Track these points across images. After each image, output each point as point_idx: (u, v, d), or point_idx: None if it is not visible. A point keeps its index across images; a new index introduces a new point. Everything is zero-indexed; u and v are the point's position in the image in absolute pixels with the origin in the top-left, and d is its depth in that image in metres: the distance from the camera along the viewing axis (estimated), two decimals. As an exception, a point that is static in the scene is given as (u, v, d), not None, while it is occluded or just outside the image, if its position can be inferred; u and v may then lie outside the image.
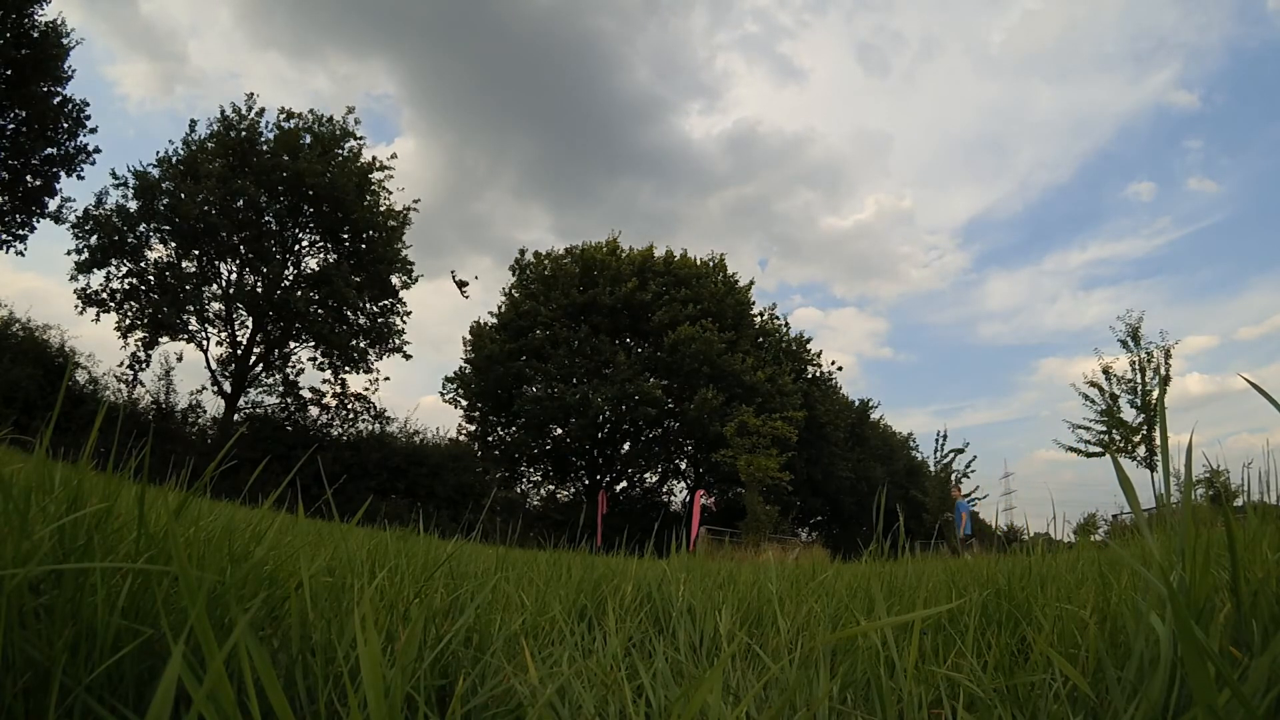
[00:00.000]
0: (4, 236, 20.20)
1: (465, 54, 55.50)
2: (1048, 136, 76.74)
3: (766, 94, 78.09)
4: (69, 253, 22.27)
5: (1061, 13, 79.23)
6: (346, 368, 25.56)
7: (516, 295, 30.22)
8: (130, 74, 46.58)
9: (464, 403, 29.94)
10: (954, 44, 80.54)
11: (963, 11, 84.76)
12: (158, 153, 25.19)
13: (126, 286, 22.98)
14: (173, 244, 23.35)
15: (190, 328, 23.65)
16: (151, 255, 23.26)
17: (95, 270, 22.53)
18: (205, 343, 24.06)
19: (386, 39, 55.30)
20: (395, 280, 25.99)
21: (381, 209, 25.55)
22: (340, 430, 25.63)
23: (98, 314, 22.65)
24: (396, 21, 54.20)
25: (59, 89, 19.98)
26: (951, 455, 29.94)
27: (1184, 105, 61.67)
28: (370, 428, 25.76)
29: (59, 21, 19.51)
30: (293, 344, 25.16)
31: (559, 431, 29.16)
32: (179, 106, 58.23)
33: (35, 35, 18.88)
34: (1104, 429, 20.99)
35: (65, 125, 20.19)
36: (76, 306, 22.41)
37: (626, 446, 30.76)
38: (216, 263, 24.22)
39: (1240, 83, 62.04)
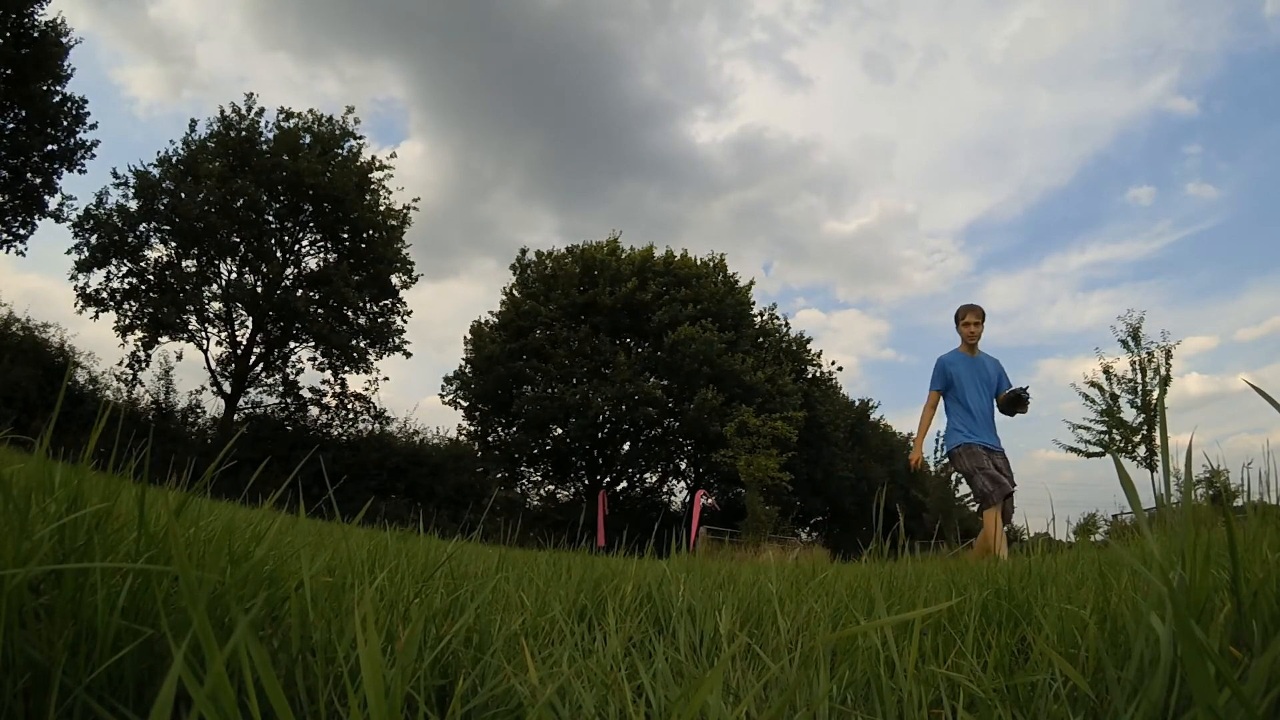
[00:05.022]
0: (4, 236, 20.21)
1: (473, 56, 55.28)
2: (1047, 141, 76.69)
3: (773, 100, 78.10)
4: (68, 251, 22.32)
5: (1063, 20, 79.19)
6: (346, 368, 25.57)
7: (517, 295, 30.22)
8: (139, 77, 46.59)
9: (464, 403, 29.95)
10: (957, 51, 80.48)
11: (966, 19, 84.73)
12: (158, 152, 25.24)
13: (126, 286, 22.99)
14: (173, 244, 23.36)
15: (190, 327, 23.67)
16: (151, 255, 23.30)
17: (95, 270, 22.55)
18: (205, 342, 24.08)
19: (395, 41, 55.09)
20: (395, 280, 26.00)
21: (381, 208, 25.57)
22: (340, 430, 25.63)
23: (96, 313, 22.68)
24: (405, 23, 54.03)
25: (59, 87, 20.00)
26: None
27: (1183, 111, 61.54)
28: (370, 428, 25.78)
29: (59, 20, 19.55)
30: (293, 344, 25.16)
31: (559, 431, 29.15)
32: (187, 110, 58.41)
33: (35, 35, 18.89)
34: (1104, 429, 20.97)
35: (65, 123, 20.21)
36: (75, 305, 22.47)
37: (626, 446, 30.75)
38: (216, 262, 24.22)
39: (1239, 88, 61.93)
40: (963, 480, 26.87)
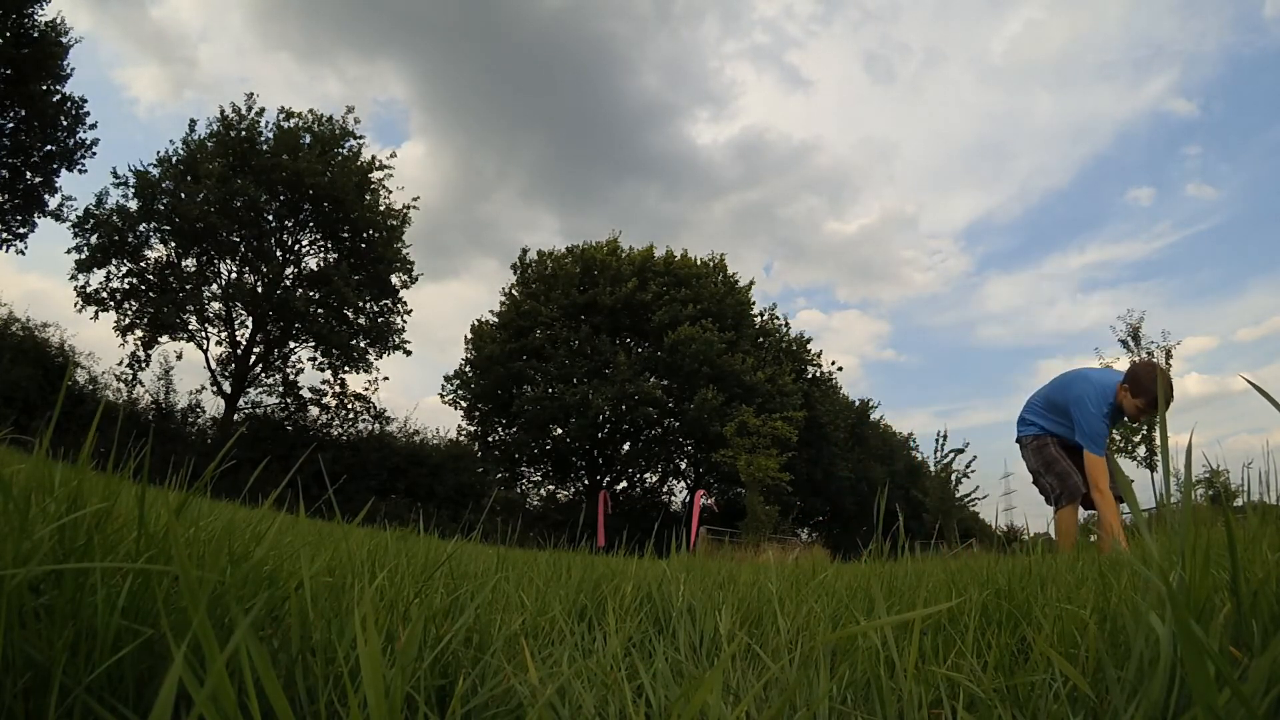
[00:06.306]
0: (4, 235, 20.22)
1: (475, 57, 55.26)
2: (1047, 142, 76.69)
3: (774, 102, 78.20)
4: (68, 251, 22.34)
5: (1063, 22, 79.31)
6: (346, 368, 25.58)
7: (517, 295, 30.23)
8: (140, 77, 46.62)
9: (464, 403, 29.96)
10: (958, 52, 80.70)
11: (967, 21, 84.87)
12: (158, 152, 25.25)
13: (126, 286, 23.02)
14: (173, 244, 23.38)
15: (190, 327, 23.69)
16: (151, 255, 23.32)
17: (95, 270, 22.57)
18: (205, 342, 24.09)
19: (397, 41, 55.12)
20: (395, 280, 26.02)
21: (381, 208, 25.58)
22: (340, 430, 25.64)
23: (96, 313, 22.70)
24: (407, 23, 54.02)
25: (59, 87, 20.01)
26: (951, 455, 29.95)
27: (1183, 112, 61.51)
28: (370, 428, 25.79)
29: (58, 20, 19.56)
30: (292, 344, 25.17)
31: (559, 431, 29.16)
32: (188, 110, 58.50)
33: (35, 35, 18.90)
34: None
35: (65, 122, 20.23)
36: (76, 305, 22.48)
37: (626, 446, 30.76)
38: (216, 262, 24.24)
39: (1238, 89, 61.92)
40: (962, 479, 26.68)
